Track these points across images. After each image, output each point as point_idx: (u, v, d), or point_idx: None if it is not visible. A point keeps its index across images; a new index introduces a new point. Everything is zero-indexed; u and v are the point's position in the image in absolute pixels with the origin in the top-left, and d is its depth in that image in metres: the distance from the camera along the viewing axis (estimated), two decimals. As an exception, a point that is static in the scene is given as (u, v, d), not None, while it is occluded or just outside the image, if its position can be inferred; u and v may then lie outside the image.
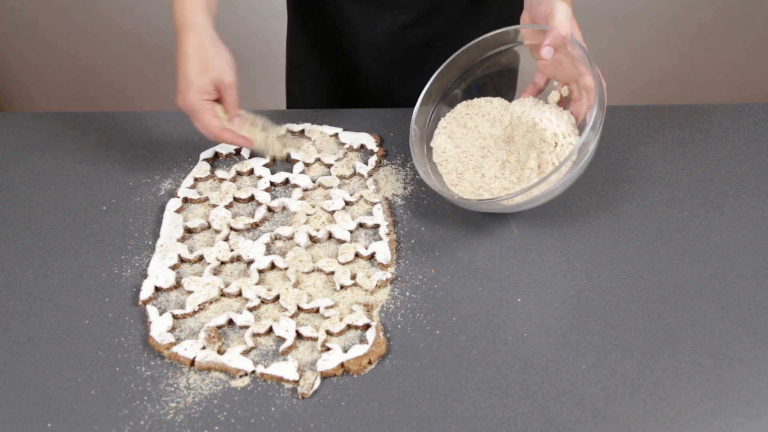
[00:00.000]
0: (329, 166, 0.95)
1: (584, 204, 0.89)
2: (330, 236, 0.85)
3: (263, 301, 0.77)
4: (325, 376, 0.70)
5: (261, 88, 2.11)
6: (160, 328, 0.74)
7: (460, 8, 1.07)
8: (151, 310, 0.76)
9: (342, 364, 0.70)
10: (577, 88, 0.83)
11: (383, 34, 1.07)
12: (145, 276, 0.80)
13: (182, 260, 0.82)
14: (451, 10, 1.07)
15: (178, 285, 0.79)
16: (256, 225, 0.86)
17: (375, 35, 1.08)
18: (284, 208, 0.88)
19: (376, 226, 0.86)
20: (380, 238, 0.84)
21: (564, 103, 0.86)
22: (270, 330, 0.74)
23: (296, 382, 0.69)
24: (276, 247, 0.83)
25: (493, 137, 0.89)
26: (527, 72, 0.89)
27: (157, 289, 0.78)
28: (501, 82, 0.94)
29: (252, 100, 2.18)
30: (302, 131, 1.00)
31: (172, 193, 0.91)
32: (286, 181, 0.93)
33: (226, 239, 0.84)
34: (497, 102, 0.92)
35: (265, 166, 0.94)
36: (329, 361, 0.70)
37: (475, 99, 0.93)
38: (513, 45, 0.88)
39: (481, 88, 0.93)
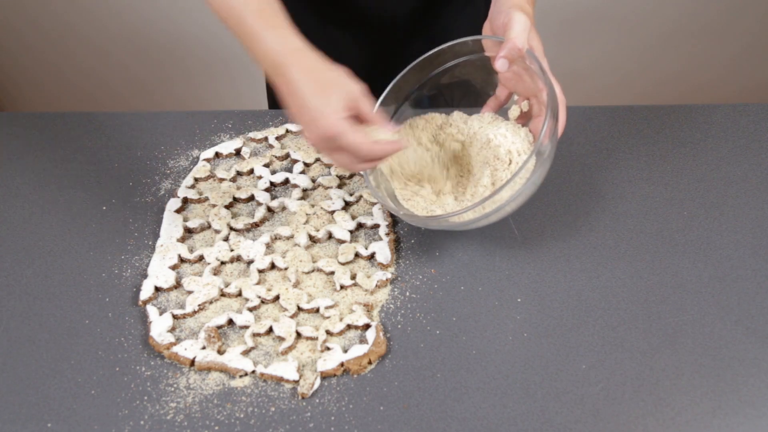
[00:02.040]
0: (329, 166, 0.95)
1: (584, 204, 0.89)
2: (330, 236, 0.85)
3: (263, 301, 0.77)
4: (325, 376, 0.70)
5: (242, 88, 2.11)
6: (160, 328, 0.74)
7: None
8: (151, 310, 0.76)
9: (342, 364, 0.70)
10: (537, 103, 0.81)
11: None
12: (145, 276, 0.80)
13: (182, 260, 0.82)
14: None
15: (178, 285, 0.79)
16: (256, 225, 0.86)
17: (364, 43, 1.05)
18: (284, 208, 0.88)
19: (376, 226, 0.86)
20: (380, 238, 0.84)
21: (525, 118, 0.84)
22: (270, 330, 0.74)
23: (296, 382, 0.69)
24: (276, 247, 0.83)
25: (448, 153, 0.86)
26: (491, 85, 0.86)
27: (157, 289, 0.78)
28: (455, 94, 0.91)
29: (232, 101, 2.18)
30: (302, 131, 1.00)
31: (172, 193, 0.91)
32: (286, 181, 0.93)
33: (226, 239, 0.84)
34: (456, 116, 0.88)
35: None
36: (329, 361, 0.70)
37: (431, 112, 0.88)
38: (473, 56, 0.85)
39: (434, 99, 0.90)
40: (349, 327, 0.74)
